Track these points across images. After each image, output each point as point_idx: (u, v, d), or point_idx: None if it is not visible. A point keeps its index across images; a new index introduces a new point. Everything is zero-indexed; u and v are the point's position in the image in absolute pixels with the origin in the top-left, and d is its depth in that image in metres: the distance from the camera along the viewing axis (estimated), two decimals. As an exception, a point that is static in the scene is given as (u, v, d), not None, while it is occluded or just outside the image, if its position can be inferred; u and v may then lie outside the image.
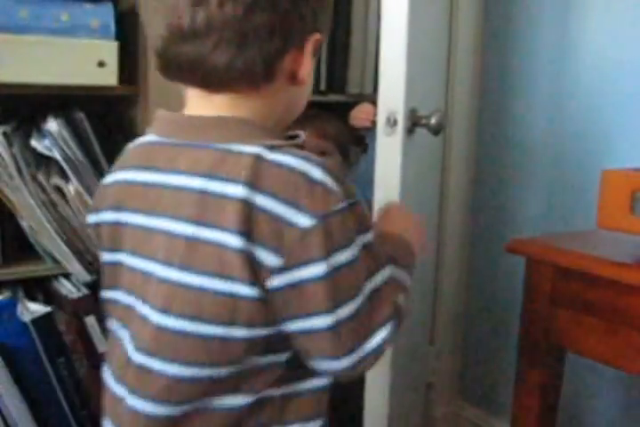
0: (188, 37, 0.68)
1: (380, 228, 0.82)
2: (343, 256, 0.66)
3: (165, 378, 0.68)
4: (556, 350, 1.20)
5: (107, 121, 1.33)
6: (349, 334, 0.67)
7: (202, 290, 0.65)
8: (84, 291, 1.18)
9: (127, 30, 1.18)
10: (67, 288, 1.19)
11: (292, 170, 0.65)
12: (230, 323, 0.65)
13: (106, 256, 0.77)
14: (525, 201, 1.83)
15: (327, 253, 0.64)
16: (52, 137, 1.11)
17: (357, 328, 0.68)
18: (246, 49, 0.68)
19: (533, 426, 1.23)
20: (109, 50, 1.13)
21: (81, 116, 1.15)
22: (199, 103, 0.73)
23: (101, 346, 1.18)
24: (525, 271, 1.21)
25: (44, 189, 1.13)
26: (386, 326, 0.70)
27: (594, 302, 1.10)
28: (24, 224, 1.16)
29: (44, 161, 1.15)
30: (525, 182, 1.82)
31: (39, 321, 1.09)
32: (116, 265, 0.75)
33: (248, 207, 0.63)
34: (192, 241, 0.65)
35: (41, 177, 1.13)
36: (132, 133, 1.26)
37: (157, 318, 0.68)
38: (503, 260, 1.49)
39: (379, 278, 0.71)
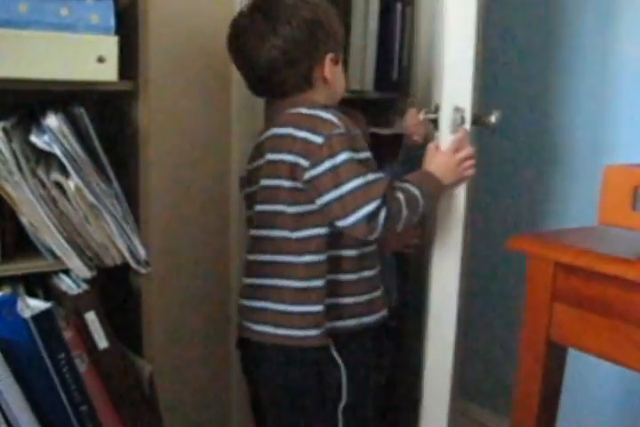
0: (259, 73, 1.28)
1: (423, 166, 1.32)
2: (338, 159, 1.15)
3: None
4: (557, 346, 1.20)
5: (107, 116, 1.33)
6: (347, 203, 1.15)
7: (278, 187, 1.23)
8: (84, 287, 1.17)
9: (127, 25, 1.18)
10: (67, 284, 1.19)
11: (313, 115, 1.20)
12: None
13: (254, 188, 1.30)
14: (527, 197, 1.83)
15: (330, 156, 1.15)
16: (52, 132, 1.10)
17: (352, 201, 1.15)
18: (289, 73, 1.26)
19: (533, 422, 1.23)
20: (109, 45, 1.13)
21: (81, 111, 1.14)
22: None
23: (101, 342, 1.17)
24: (527, 267, 1.21)
25: (43, 185, 1.13)
26: (370, 204, 1.14)
27: (595, 298, 1.10)
28: (24, 220, 1.15)
29: (43, 157, 1.14)
30: (527, 178, 1.82)
31: (39, 317, 1.09)
32: (254, 191, 1.29)
33: (292, 138, 1.19)
34: (272, 162, 1.23)
35: (41, 173, 1.12)
36: (132, 129, 1.26)
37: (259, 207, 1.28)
38: (505, 256, 1.49)
39: (370, 177, 1.16)
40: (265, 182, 1.25)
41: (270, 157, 1.23)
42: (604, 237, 1.21)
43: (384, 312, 1.32)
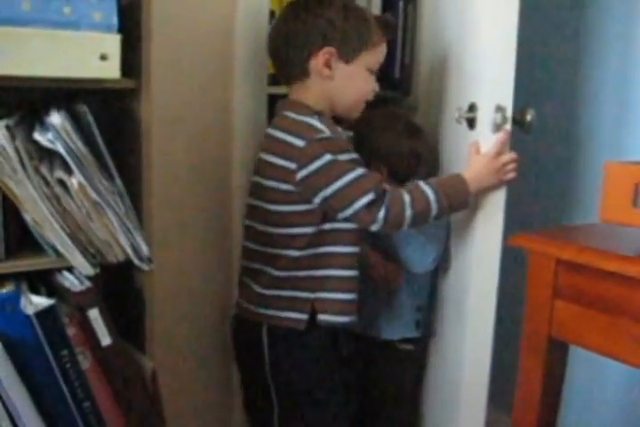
0: (270, 54, 1.42)
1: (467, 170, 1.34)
2: (322, 161, 1.25)
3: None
4: (558, 342, 1.20)
5: (109, 114, 1.33)
6: (344, 197, 1.26)
7: (265, 186, 1.34)
8: (87, 284, 1.17)
9: (130, 23, 1.18)
10: (70, 281, 1.19)
11: (300, 120, 1.31)
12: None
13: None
14: (528, 194, 1.83)
15: (314, 158, 1.25)
16: (55, 130, 1.11)
17: (346, 195, 1.25)
18: (287, 60, 1.36)
19: (534, 418, 1.23)
20: (112, 43, 1.13)
21: (84, 108, 1.14)
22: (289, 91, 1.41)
23: (104, 339, 1.18)
24: (528, 265, 1.21)
25: (47, 183, 1.13)
26: (365, 196, 1.24)
27: (596, 295, 1.11)
28: (27, 217, 1.16)
29: (46, 154, 1.15)
30: (549, 174, 1.82)
31: (42, 314, 1.09)
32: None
33: (279, 140, 1.30)
34: (262, 161, 1.35)
35: (44, 170, 1.13)
36: (134, 126, 1.26)
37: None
38: (507, 254, 1.49)
39: (360, 172, 1.26)
40: (255, 179, 1.38)
41: (262, 155, 1.35)
42: (606, 234, 1.21)
43: (348, 318, 1.37)
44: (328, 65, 1.34)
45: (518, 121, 1.35)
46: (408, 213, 1.26)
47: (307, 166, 1.26)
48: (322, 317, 1.34)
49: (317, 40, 1.33)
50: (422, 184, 1.30)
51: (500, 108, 1.32)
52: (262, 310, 1.37)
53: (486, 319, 1.42)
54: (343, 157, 1.27)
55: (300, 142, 1.27)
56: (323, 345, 1.38)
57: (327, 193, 1.26)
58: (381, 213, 1.25)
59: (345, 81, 1.36)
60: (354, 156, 1.30)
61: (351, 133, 1.49)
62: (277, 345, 1.37)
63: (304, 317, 1.33)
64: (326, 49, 1.33)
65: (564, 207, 1.78)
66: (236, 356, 1.49)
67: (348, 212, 1.26)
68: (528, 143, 1.74)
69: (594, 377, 1.70)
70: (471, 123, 1.38)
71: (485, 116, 1.34)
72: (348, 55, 1.35)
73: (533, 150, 1.81)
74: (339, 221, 1.31)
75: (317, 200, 1.28)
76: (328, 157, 1.25)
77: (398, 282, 1.54)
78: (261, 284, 1.37)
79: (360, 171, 1.27)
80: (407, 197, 1.27)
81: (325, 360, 1.39)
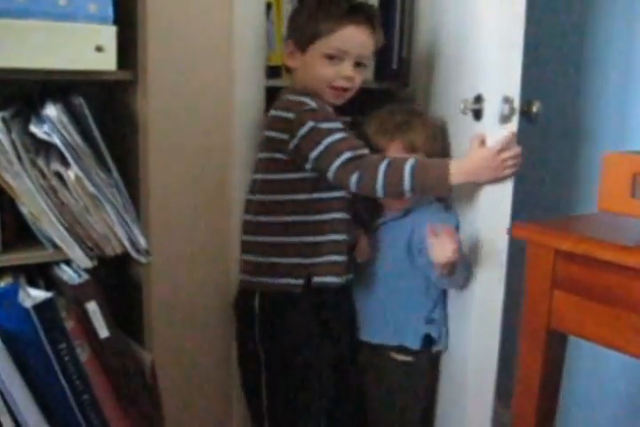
0: None
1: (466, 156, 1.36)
2: (306, 127, 1.35)
3: None
4: (557, 333, 1.20)
5: (105, 106, 1.32)
6: (327, 156, 1.34)
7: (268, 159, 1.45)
8: (85, 277, 1.17)
9: (125, 15, 1.18)
10: (68, 274, 1.19)
11: (293, 99, 1.42)
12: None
13: None
14: (526, 185, 1.83)
15: (300, 126, 1.36)
16: (52, 122, 1.11)
17: (329, 154, 1.34)
18: None
19: (534, 410, 1.23)
20: (108, 34, 1.12)
21: (80, 101, 1.14)
22: None
23: (102, 332, 1.18)
24: (526, 255, 1.21)
25: (43, 175, 1.13)
26: (340, 157, 1.33)
27: (595, 286, 1.10)
28: (24, 210, 1.16)
29: (43, 147, 1.15)
30: (555, 163, 1.81)
31: (40, 307, 1.09)
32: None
33: (278, 117, 1.41)
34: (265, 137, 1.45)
35: (41, 163, 1.13)
36: (131, 118, 1.26)
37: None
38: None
39: (337, 136, 1.35)
40: (259, 155, 1.48)
41: (263, 132, 1.46)
42: (604, 224, 1.21)
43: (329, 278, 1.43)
44: (292, 56, 1.47)
45: (525, 112, 1.33)
46: (380, 180, 1.32)
47: (296, 135, 1.36)
48: (317, 279, 1.42)
49: (286, 35, 1.51)
50: (408, 160, 1.33)
51: (507, 100, 1.31)
52: (257, 278, 1.45)
53: (493, 322, 1.41)
54: (325, 124, 1.37)
55: (290, 115, 1.38)
56: (310, 313, 1.45)
57: (313, 156, 1.35)
58: (355, 176, 1.32)
59: (304, 69, 1.47)
60: (338, 124, 1.39)
61: (348, 119, 1.56)
62: (267, 312, 1.44)
63: (299, 282, 1.41)
64: (287, 42, 1.48)
65: (567, 198, 1.78)
66: (235, 331, 1.55)
67: (330, 173, 1.35)
68: (530, 134, 1.74)
69: (594, 369, 1.70)
70: (477, 114, 1.36)
71: (493, 108, 1.32)
72: (302, 45, 1.45)
73: (533, 142, 1.81)
74: (329, 190, 1.40)
75: (309, 166, 1.38)
76: (311, 123, 1.36)
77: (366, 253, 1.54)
78: (256, 252, 1.46)
79: (338, 135, 1.35)
80: (383, 167, 1.32)
81: (311, 330, 1.45)
